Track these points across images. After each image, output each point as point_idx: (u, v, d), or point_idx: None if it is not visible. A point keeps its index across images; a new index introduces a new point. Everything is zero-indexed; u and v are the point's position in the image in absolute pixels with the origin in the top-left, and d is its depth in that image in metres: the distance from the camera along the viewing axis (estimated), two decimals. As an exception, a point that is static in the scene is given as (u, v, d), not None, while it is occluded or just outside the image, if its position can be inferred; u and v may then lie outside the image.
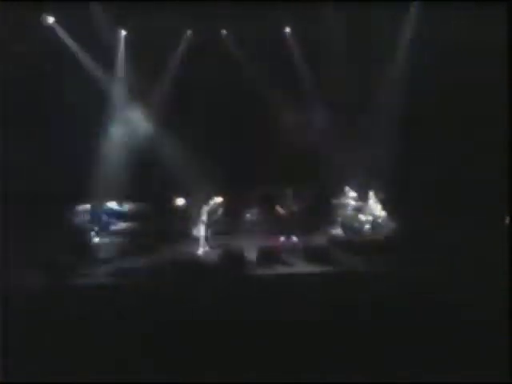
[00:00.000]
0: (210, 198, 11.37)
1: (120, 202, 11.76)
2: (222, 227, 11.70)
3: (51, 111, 11.92)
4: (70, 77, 11.98)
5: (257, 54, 12.48)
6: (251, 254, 10.37)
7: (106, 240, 10.94)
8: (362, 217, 11.62)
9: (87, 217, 11.04)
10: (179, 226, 11.62)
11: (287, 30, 12.66)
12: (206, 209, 11.20)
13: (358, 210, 11.80)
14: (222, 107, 12.84)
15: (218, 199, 11.41)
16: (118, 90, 12.60)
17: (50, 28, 11.46)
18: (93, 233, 10.75)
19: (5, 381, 5.98)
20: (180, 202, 11.43)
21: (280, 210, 11.82)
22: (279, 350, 6.13)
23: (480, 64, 11.40)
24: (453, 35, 11.49)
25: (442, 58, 11.76)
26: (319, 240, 11.41)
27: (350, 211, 11.91)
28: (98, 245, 10.73)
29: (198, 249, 10.98)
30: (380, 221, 11.50)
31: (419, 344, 5.68)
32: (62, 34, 11.62)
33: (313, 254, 10.37)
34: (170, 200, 11.50)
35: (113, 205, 11.61)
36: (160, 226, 11.50)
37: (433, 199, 11.44)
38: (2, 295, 7.35)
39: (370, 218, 11.57)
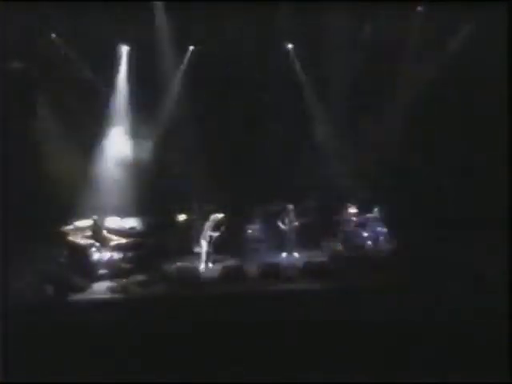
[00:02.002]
0: (211, 213, 11.40)
1: (121, 217, 11.78)
2: (223, 243, 11.68)
3: (50, 125, 12.12)
4: (70, 91, 12.22)
5: (259, 69, 12.55)
6: (252, 270, 10.38)
7: (107, 255, 10.90)
8: (364, 233, 11.63)
9: (88, 232, 11.03)
10: (181, 241, 11.63)
11: (290, 45, 12.72)
12: (207, 225, 11.21)
13: (360, 225, 11.79)
14: (223, 122, 12.93)
15: (220, 215, 11.43)
16: (119, 104, 12.66)
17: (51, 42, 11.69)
18: (94, 248, 10.71)
19: (5, 381, 5.99)
20: (182, 217, 11.47)
21: (281, 225, 11.83)
22: (280, 351, 6.12)
23: (480, 64, 11.48)
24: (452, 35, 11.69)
25: (442, 59, 11.92)
26: (320, 256, 11.30)
27: (351, 227, 11.89)
28: (98, 260, 10.68)
29: (199, 264, 10.94)
30: (382, 237, 11.50)
31: (419, 344, 5.66)
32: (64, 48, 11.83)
33: (314, 270, 10.34)
34: (172, 216, 11.54)
35: (114, 220, 11.63)
36: (161, 241, 11.49)
37: (433, 215, 11.45)
38: (2, 309, 7.32)
39: (372, 234, 11.58)
